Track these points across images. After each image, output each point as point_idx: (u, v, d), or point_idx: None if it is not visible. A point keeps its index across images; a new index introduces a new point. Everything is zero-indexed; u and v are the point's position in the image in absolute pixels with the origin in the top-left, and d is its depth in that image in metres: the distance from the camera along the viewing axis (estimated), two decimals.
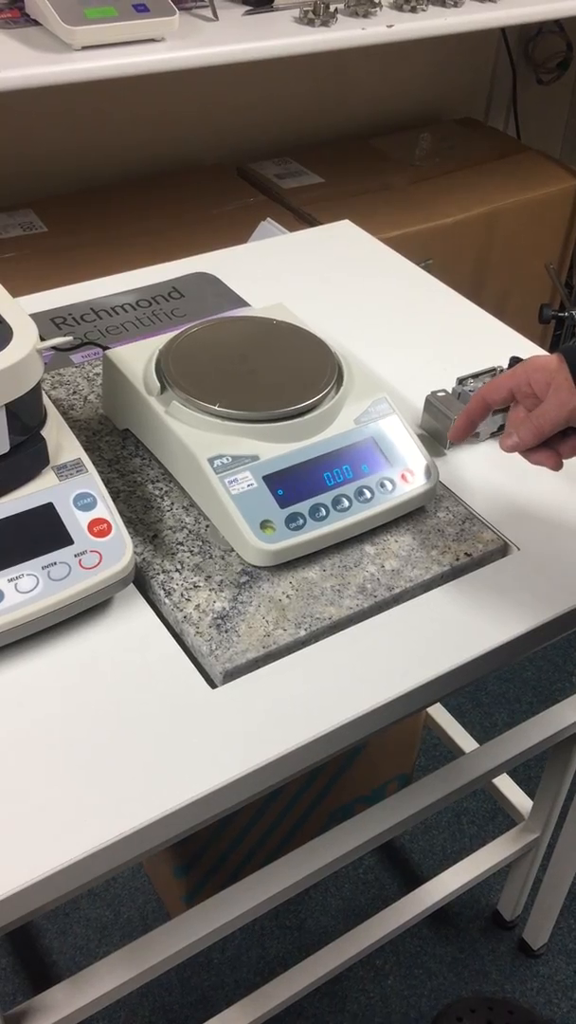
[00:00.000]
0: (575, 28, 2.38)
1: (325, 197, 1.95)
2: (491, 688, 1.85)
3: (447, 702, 1.67)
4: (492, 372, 0.99)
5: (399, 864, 1.57)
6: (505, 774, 1.36)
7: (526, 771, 1.67)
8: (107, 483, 0.88)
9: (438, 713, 1.51)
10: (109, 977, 0.89)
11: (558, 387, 0.75)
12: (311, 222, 1.84)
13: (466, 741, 1.47)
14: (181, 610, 0.78)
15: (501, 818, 1.64)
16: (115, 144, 1.95)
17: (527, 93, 2.45)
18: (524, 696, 1.84)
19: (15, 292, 1.15)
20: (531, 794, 1.36)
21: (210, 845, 1.32)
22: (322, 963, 1.22)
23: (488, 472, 0.94)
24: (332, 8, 1.54)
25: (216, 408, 0.84)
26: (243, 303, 1.16)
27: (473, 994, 1.43)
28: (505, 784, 1.40)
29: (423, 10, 1.62)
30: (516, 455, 0.81)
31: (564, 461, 0.80)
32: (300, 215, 1.89)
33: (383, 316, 1.17)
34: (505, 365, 0.99)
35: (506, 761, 1.13)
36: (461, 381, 0.98)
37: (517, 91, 2.40)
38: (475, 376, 0.98)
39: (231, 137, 2.09)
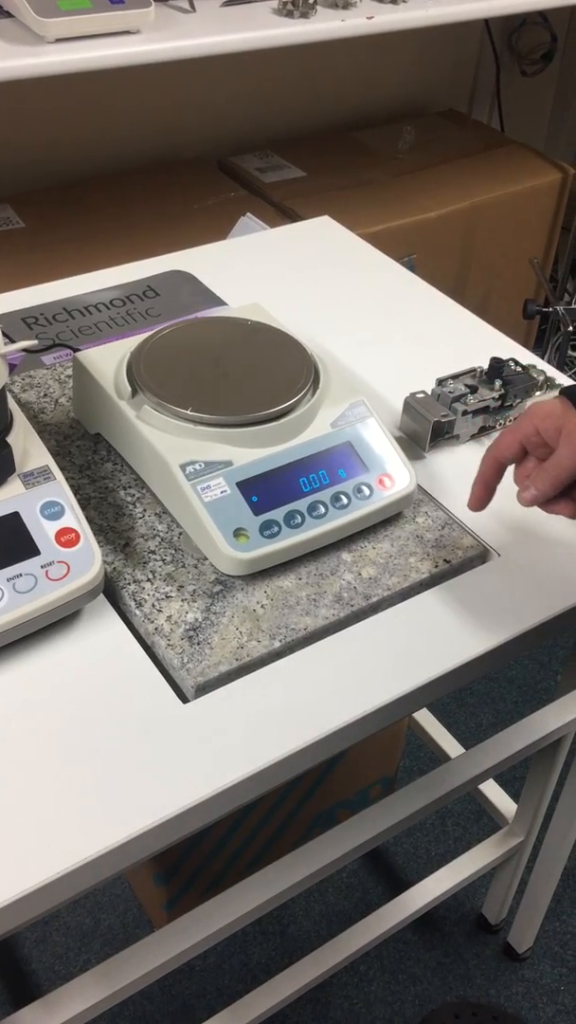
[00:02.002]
0: (559, 19, 2.36)
1: (307, 191, 1.93)
2: (476, 688, 1.83)
3: (431, 704, 1.66)
4: (472, 372, 0.97)
5: (383, 868, 1.56)
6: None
7: (510, 773, 1.66)
8: (77, 489, 0.86)
9: (422, 715, 1.50)
10: (83, 997, 0.87)
11: (569, 433, 0.72)
12: (293, 217, 1.82)
13: (450, 743, 1.45)
14: (152, 621, 0.76)
15: (486, 820, 1.63)
16: (93, 138, 1.92)
17: (511, 85, 2.42)
18: (509, 695, 1.82)
19: None
20: (515, 796, 1.35)
21: (191, 852, 1.30)
22: (305, 970, 1.20)
23: (468, 476, 0.91)
24: None
25: (188, 412, 0.82)
26: (220, 302, 1.14)
27: (458, 999, 1.42)
28: (489, 788, 1.39)
29: (404, 1, 1.59)
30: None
31: None
32: (281, 210, 1.87)
33: (362, 315, 1.15)
34: (484, 366, 0.97)
35: (490, 768, 1.11)
36: (440, 382, 0.96)
37: (501, 83, 2.38)
38: (455, 377, 0.96)
39: (211, 130, 2.07)
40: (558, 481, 0.73)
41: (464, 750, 1.42)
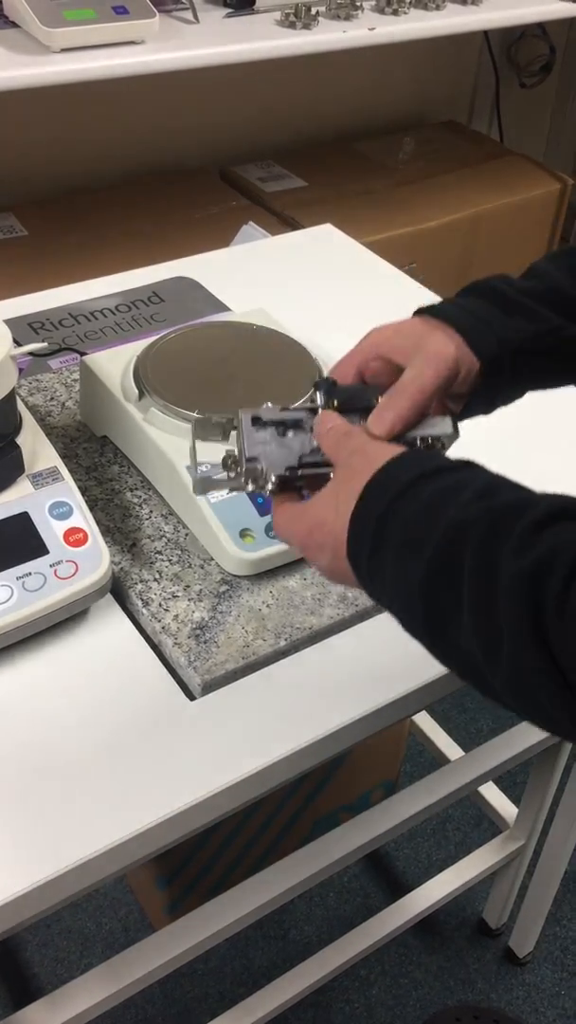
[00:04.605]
0: (558, 31, 2.38)
1: (308, 201, 1.94)
2: (476, 693, 1.83)
3: (432, 708, 1.66)
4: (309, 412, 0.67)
5: (384, 872, 1.56)
6: (490, 781, 1.35)
7: (511, 777, 1.66)
8: (84, 491, 0.87)
9: (422, 719, 1.50)
10: (87, 995, 0.87)
11: (419, 346, 0.64)
12: (294, 226, 1.83)
13: (451, 748, 1.46)
14: (159, 620, 0.77)
15: (486, 824, 1.63)
16: (96, 147, 1.94)
17: (510, 96, 2.44)
18: None
19: None
20: (516, 800, 1.35)
21: (193, 855, 1.30)
22: (306, 974, 1.21)
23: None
24: (314, 11, 1.53)
25: (195, 414, 0.83)
26: (224, 308, 1.15)
27: (459, 1003, 1.42)
28: (490, 791, 1.39)
29: (405, 13, 1.61)
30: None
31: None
32: (283, 219, 1.88)
33: (364, 321, 1.15)
34: (320, 399, 0.67)
35: (491, 770, 1.12)
36: (256, 421, 0.65)
37: (500, 94, 2.40)
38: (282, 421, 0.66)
39: (213, 140, 2.08)
40: (420, 400, 0.63)
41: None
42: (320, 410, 0.65)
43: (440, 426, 0.64)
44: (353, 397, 0.66)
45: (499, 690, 0.52)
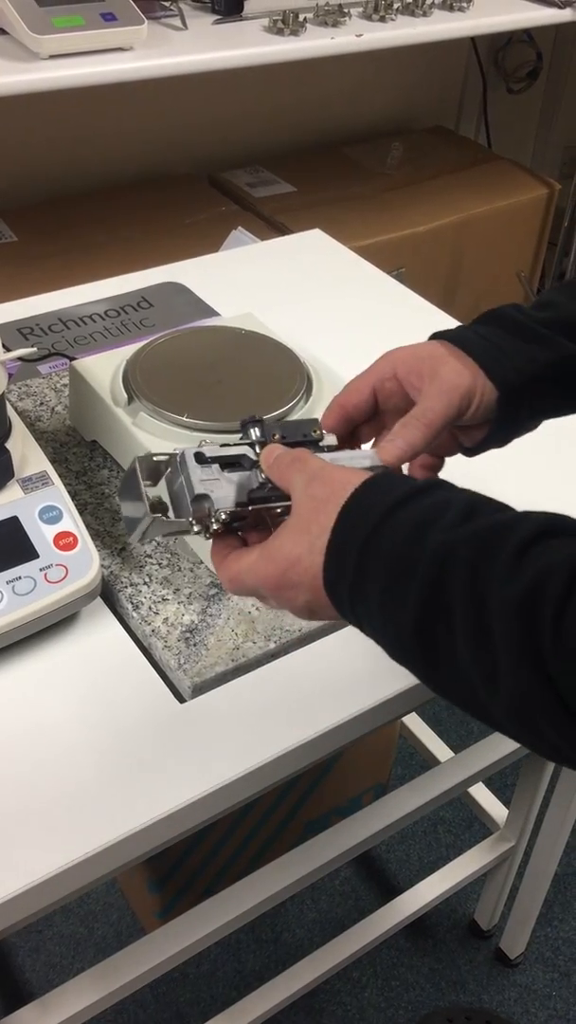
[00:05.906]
0: (544, 37, 2.39)
1: (297, 206, 1.95)
2: None
3: (422, 710, 1.67)
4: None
5: (375, 874, 1.57)
6: (480, 783, 1.36)
7: (501, 779, 1.67)
8: (74, 495, 0.87)
9: (413, 722, 1.51)
10: (79, 997, 0.87)
11: (435, 372, 0.65)
12: (283, 231, 1.84)
13: (441, 750, 1.46)
14: (149, 624, 0.77)
15: (477, 827, 1.64)
16: (86, 154, 1.94)
17: (497, 102, 2.46)
18: None
19: None
20: (506, 803, 1.36)
21: (184, 859, 1.31)
22: (298, 976, 1.21)
23: (462, 477, 0.93)
24: (301, 17, 1.54)
25: (184, 419, 0.83)
26: (213, 313, 1.15)
27: (451, 1005, 1.42)
28: (480, 793, 1.40)
29: (392, 19, 1.62)
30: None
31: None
32: (272, 224, 1.89)
33: (353, 325, 1.16)
34: (254, 435, 0.66)
35: (481, 770, 1.12)
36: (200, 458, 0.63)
37: (487, 100, 2.41)
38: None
39: (202, 146, 2.09)
40: (430, 432, 0.64)
41: None
42: (258, 445, 0.64)
43: (369, 458, 0.63)
44: (289, 429, 0.65)
45: (501, 720, 0.50)
